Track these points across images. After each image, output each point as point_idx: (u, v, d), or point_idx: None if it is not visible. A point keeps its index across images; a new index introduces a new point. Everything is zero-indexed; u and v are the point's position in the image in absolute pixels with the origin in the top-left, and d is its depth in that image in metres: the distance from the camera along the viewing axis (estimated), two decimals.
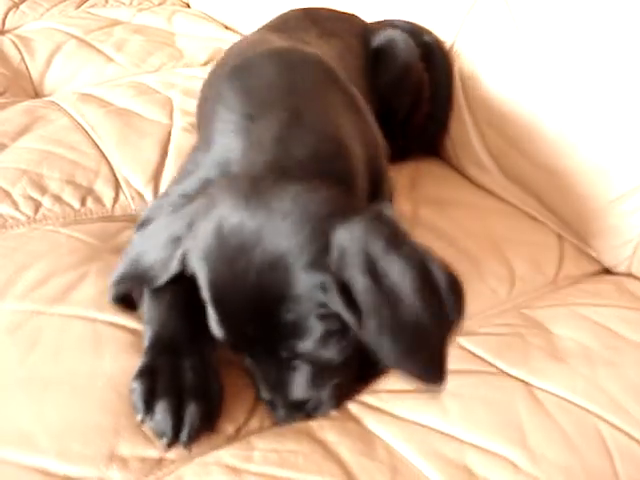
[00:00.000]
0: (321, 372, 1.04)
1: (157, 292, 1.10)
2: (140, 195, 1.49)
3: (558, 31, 1.55)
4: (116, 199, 1.47)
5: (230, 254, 0.97)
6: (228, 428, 1.06)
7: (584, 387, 1.13)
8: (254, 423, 1.08)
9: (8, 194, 1.40)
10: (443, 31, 1.79)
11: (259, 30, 1.67)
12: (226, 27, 2.36)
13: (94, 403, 1.03)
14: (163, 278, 1.07)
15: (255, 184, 1.03)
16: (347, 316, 0.94)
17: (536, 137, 1.57)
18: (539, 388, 1.13)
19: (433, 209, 1.54)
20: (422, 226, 1.42)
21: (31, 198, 1.40)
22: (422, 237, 1.34)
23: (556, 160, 1.53)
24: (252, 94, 1.25)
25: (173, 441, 0.99)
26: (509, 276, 1.40)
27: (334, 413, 1.10)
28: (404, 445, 1.04)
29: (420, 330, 0.95)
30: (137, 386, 1.00)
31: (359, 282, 0.93)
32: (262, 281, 0.94)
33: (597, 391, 1.13)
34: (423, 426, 1.07)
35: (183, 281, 1.06)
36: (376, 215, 1.00)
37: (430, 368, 0.98)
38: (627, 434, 1.08)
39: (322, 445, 1.03)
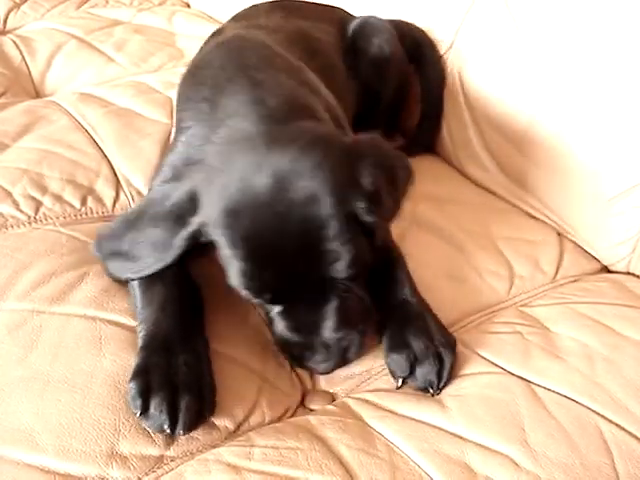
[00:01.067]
0: (349, 310, 1.09)
1: (148, 290, 1.14)
2: (140, 195, 1.49)
3: (557, 30, 1.55)
4: (117, 199, 1.47)
5: (265, 200, 1.01)
6: (228, 425, 1.07)
7: (584, 385, 1.14)
8: (254, 420, 1.09)
9: (9, 194, 1.40)
10: (442, 30, 1.79)
11: (226, 21, 1.74)
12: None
13: (94, 401, 1.03)
14: (166, 260, 1.10)
15: (259, 136, 1.09)
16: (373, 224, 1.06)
17: (535, 136, 1.57)
18: (539, 386, 1.13)
19: (432, 207, 1.54)
20: (421, 223, 1.42)
21: (32, 198, 1.40)
22: (421, 234, 1.37)
23: (555, 158, 1.53)
24: (207, 82, 1.30)
25: (169, 435, 1.01)
26: (508, 274, 1.40)
27: (334, 409, 1.11)
28: (404, 442, 1.05)
29: None
30: (133, 386, 1.02)
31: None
32: (305, 216, 1.01)
33: (597, 389, 1.13)
34: (423, 423, 1.08)
35: (174, 277, 1.13)
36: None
37: None
38: (626, 431, 1.08)
39: (322, 442, 1.03)
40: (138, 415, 1.01)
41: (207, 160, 1.13)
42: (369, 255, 1.08)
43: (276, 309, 1.10)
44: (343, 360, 1.11)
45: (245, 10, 1.75)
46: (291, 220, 1.01)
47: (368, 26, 1.73)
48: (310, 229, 1.01)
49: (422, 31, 1.81)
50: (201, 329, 1.13)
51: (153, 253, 1.12)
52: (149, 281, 1.15)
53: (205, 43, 1.64)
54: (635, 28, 1.43)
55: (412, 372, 1.12)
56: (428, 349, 1.12)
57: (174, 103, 1.76)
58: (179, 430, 1.00)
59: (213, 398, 1.06)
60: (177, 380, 1.03)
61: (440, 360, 1.12)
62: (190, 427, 1.02)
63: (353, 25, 1.75)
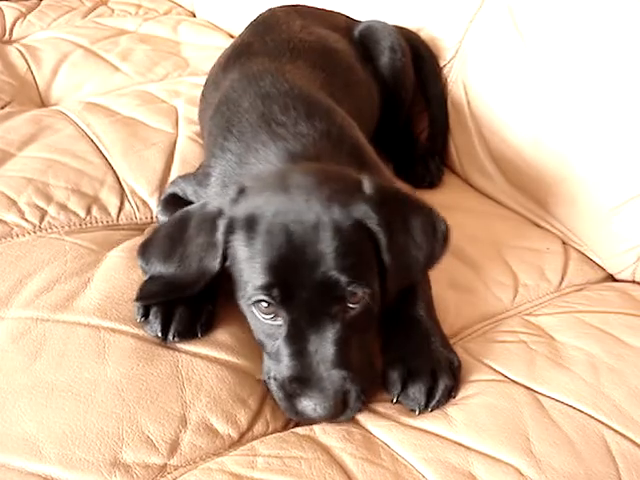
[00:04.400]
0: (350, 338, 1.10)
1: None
2: (145, 204, 1.50)
3: (561, 41, 1.55)
4: (121, 208, 1.48)
5: (282, 209, 1.11)
6: (232, 434, 1.06)
7: (588, 394, 1.13)
8: (258, 429, 1.09)
9: (14, 203, 1.41)
10: (447, 38, 1.79)
11: (248, 31, 1.74)
12: (231, 36, 2.36)
13: (97, 410, 1.03)
14: (214, 264, 1.14)
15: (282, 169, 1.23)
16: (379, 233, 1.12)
17: (539, 145, 1.57)
18: (544, 395, 1.13)
19: None
20: None
21: (37, 207, 1.41)
22: None
23: (559, 167, 1.54)
24: (234, 133, 1.37)
25: (163, 339, 1.14)
26: (513, 283, 1.40)
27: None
28: (408, 452, 1.04)
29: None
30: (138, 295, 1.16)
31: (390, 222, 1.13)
32: (313, 220, 1.09)
33: (602, 398, 1.13)
34: (428, 433, 1.07)
35: None
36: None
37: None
38: (631, 441, 1.07)
39: (326, 451, 1.03)
40: (138, 320, 1.15)
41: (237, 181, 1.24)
42: (377, 280, 1.12)
43: (283, 329, 1.10)
44: (341, 404, 1.07)
45: (264, 18, 1.75)
46: (303, 225, 1.09)
47: (375, 30, 1.74)
48: (316, 231, 1.08)
49: (423, 42, 1.82)
50: None
51: (200, 256, 1.16)
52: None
53: (227, 58, 1.64)
54: (636, 36, 1.44)
55: (404, 389, 1.11)
56: (423, 368, 1.12)
57: (179, 112, 1.77)
58: (170, 336, 1.14)
59: (209, 319, 1.19)
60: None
61: (434, 380, 1.11)
62: (181, 335, 1.14)
63: (359, 30, 1.77)
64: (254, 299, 1.10)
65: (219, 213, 1.15)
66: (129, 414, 1.03)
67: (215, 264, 1.14)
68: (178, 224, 1.22)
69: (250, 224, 1.11)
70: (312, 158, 1.26)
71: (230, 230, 1.13)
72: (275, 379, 1.10)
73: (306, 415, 1.07)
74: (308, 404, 1.07)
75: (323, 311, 1.08)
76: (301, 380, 1.07)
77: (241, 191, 1.16)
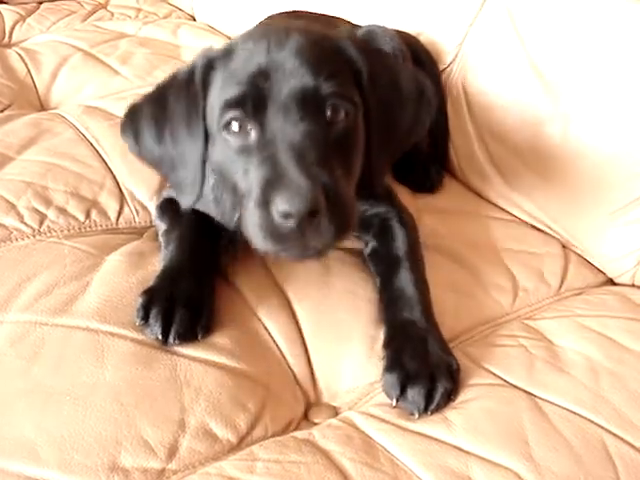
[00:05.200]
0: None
1: (171, 232, 1.29)
2: (144, 208, 1.50)
3: (560, 43, 1.55)
4: (120, 212, 1.48)
5: (260, 39, 1.12)
6: (231, 438, 1.06)
7: (588, 398, 1.13)
8: (257, 433, 1.08)
9: (13, 206, 1.41)
10: (446, 42, 1.79)
11: None
12: (230, 39, 2.37)
13: (96, 414, 1.03)
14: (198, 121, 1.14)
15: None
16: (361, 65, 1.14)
17: (538, 148, 1.57)
18: (543, 399, 1.13)
19: (436, 218, 1.54)
20: (425, 235, 1.41)
21: (36, 210, 1.41)
22: (425, 245, 1.36)
23: (558, 171, 1.54)
24: None
25: (163, 342, 1.13)
26: (512, 287, 1.40)
27: (337, 423, 1.10)
28: (407, 456, 1.04)
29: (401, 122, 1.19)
30: (139, 299, 1.16)
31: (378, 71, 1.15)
32: (295, 45, 1.10)
33: (601, 402, 1.13)
34: (427, 437, 1.07)
35: (192, 222, 1.28)
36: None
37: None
38: (631, 445, 1.07)
39: (325, 455, 1.03)
40: (138, 323, 1.14)
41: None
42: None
43: (254, 144, 1.09)
44: (317, 204, 1.01)
45: (261, 23, 1.73)
46: (281, 45, 1.10)
47: (376, 35, 1.74)
48: (295, 49, 1.09)
49: (422, 46, 1.81)
50: (211, 266, 1.26)
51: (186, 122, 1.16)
52: (172, 226, 1.31)
53: None
54: (634, 41, 1.44)
55: (403, 392, 1.11)
56: (422, 371, 1.11)
57: None
58: (171, 339, 1.13)
59: (208, 322, 1.18)
60: (177, 299, 1.15)
61: (433, 382, 1.10)
62: (181, 338, 1.13)
63: (360, 35, 1.75)
64: (225, 118, 1.09)
65: (193, 65, 1.16)
66: (127, 418, 1.03)
67: (199, 122, 1.14)
68: (157, 101, 1.22)
69: (227, 54, 1.12)
70: None
71: (207, 70, 1.14)
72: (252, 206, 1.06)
73: (281, 216, 1.00)
74: (283, 200, 1.00)
75: (300, 124, 1.06)
76: (274, 182, 1.03)
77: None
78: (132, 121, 1.24)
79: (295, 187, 1.00)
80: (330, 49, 1.13)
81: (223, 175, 1.16)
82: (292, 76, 1.07)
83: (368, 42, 1.20)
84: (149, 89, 1.28)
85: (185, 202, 1.22)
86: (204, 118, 1.15)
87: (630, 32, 1.46)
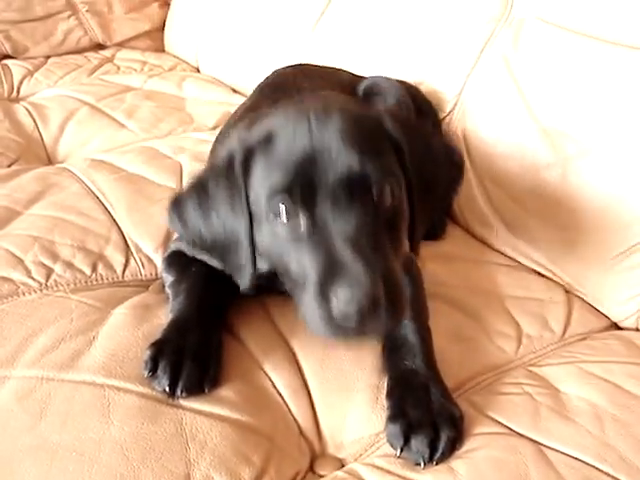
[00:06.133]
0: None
1: (178, 284, 1.32)
2: (150, 260, 1.51)
3: (558, 91, 1.57)
4: (126, 265, 1.49)
5: (299, 125, 1.11)
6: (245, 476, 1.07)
7: (593, 446, 1.13)
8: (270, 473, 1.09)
9: (20, 261, 1.42)
10: (446, 91, 1.82)
11: (259, 94, 1.73)
12: (234, 90, 2.40)
13: (102, 470, 1.03)
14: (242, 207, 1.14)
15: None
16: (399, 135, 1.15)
17: (539, 194, 1.58)
18: (549, 447, 1.12)
19: (440, 265, 1.55)
20: (428, 281, 1.42)
21: (43, 265, 1.42)
22: (428, 292, 1.37)
23: (560, 216, 1.55)
24: None
25: (170, 394, 1.14)
26: (516, 334, 1.40)
27: (343, 475, 1.10)
28: None
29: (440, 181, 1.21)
30: (147, 352, 1.18)
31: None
32: (334, 130, 1.10)
33: (607, 450, 1.12)
34: None
35: (200, 274, 1.31)
36: None
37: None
38: None
39: None
40: (146, 376, 1.15)
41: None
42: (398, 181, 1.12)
43: (305, 232, 1.08)
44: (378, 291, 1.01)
45: (273, 80, 1.76)
46: (323, 127, 1.10)
47: (380, 87, 1.76)
48: (337, 131, 1.09)
49: (423, 96, 1.84)
50: (219, 319, 1.28)
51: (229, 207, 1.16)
52: (179, 277, 1.34)
53: (237, 118, 1.62)
54: (634, 82, 1.46)
55: (407, 442, 1.11)
56: (424, 420, 1.12)
57: (184, 168, 1.79)
58: (178, 392, 1.14)
59: (216, 375, 1.19)
60: (185, 351, 1.17)
61: (436, 432, 1.11)
62: (189, 391, 1.14)
63: (365, 86, 1.78)
64: (273, 205, 1.08)
65: (232, 153, 1.14)
66: (134, 473, 1.03)
67: (243, 208, 1.13)
68: (199, 190, 1.20)
69: (267, 140, 1.11)
70: None
71: (247, 157, 1.13)
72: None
73: (343, 308, 1.00)
74: (344, 294, 1.00)
75: (348, 206, 1.06)
76: (332, 273, 1.02)
77: (252, 122, 1.16)
78: (178, 213, 1.22)
79: (355, 280, 1.00)
80: (371, 126, 1.13)
81: (272, 258, 1.16)
82: (338, 160, 1.07)
83: (403, 115, 1.21)
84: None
85: (243, 284, 1.20)
86: (248, 204, 1.14)
87: (625, 78, 1.48)
